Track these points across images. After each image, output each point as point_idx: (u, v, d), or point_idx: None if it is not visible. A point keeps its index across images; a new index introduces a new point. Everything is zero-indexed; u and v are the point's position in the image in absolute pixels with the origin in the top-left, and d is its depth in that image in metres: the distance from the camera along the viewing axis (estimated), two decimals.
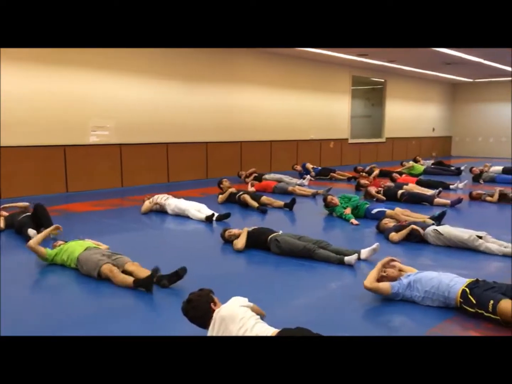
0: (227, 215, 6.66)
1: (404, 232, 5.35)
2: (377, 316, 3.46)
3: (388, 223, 5.75)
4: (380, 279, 3.82)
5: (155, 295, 3.82)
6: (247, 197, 7.70)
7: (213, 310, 2.72)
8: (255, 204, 7.55)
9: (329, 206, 6.94)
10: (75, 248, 4.43)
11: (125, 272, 4.12)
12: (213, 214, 6.64)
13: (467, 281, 3.43)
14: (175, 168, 11.01)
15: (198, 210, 6.89)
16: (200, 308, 2.74)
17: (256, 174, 10.58)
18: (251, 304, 2.85)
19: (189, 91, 11.13)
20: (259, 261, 4.85)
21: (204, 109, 11.48)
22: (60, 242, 4.71)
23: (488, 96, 20.31)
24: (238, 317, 2.64)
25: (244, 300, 2.84)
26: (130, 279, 3.91)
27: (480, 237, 5.08)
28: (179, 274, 3.98)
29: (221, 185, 8.58)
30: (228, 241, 5.25)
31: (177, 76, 10.86)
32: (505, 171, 12.04)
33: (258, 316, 2.75)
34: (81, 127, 9.36)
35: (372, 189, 8.21)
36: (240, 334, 2.57)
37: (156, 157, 10.67)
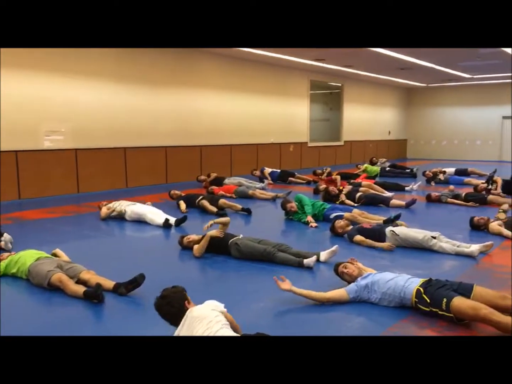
0: (184, 219, 6.59)
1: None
2: (336, 317, 3.49)
3: (344, 225, 5.81)
4: (340, 274, 3.91)
5: (111, 304, 3.73)
6: (205, 203, 7.65)
7: (187, 309, 2.71)
8: (214, 209, 7.52)
9: (288, 213, 6.96)
10: (26, 259, 4.26)
11: (80, 281, 4.00)
12: (167, 220, 6.55)
13: (421, 280, 3.52)
14: (133, 173, 10.82)
15: (156, 215, 6.80)
16: (174, 305, 2.72)
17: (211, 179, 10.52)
18: (224, 310, 2.82)
19: (148, 95, 10.97)
20: (220, 266, 4.82)
21: (163, 113, 11.34)
22: (7, 254, 4.52)
23: (441, 100, 21.04)
24: (206, 320, 2.61)
25: (218, 305, 2.81)
26: (81, 290, 3.79)
27: (434, 237, 5.24)
28: (137, 281, 3.90)
29: (172, 195, 8.43)
30: (187, 247, 5.18)
31: (136, 80, 10.69)
32: (458, 172, 12.50)
33: (228, 323, 2.72)
34: (34, 132, 9.05)
35: (342, 197, 8.21)
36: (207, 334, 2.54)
37: (114, 162, 10.45)
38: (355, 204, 7.92)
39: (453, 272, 4.47)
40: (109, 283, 3.94)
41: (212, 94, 12.59)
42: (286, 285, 3.60)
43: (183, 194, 8.19)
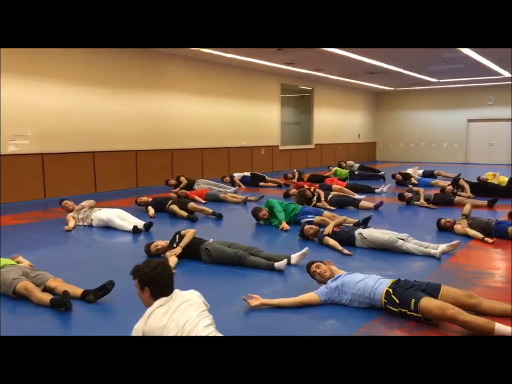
0: (150, 225, 6.51)
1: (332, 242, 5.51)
2: (308, 320, 3.51)
3: (314, 233, 5.82)
4: (312, 273, 3.94)
5: (79, 312, 3.64)
6: (175, 208, 7.57)
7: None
8: (184, 213, 7.45)
9: (259, 220, 6.94)
10: None
11: (46, 288, 3.90)
12: (136, 226, 6.45)
13: (390, 281, 3.57)
14: (103, 177, 10.64)
15: (124, 219, 6.70)
16: (165, 277, 2.62)
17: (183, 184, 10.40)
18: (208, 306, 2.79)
19: (117, 98, 10.82)
20: (190, 271, 4.78)
21: (133, 116, 11.21)
22: None
23: (409, 104, 21.49)
24: (200, 308, 2.60)
25: (204, 299, 2.78)
26: (47, 298, 3.69)
27: (403, 239, 5.33)
28: (106, 288, 3.82)
29: (139, 203, 8.23)
30: (155, 255, 5.06)
31: (104, 83, 10.54)
32: (425, 174, 12.76)
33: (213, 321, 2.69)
34: None
35: (321, 203, 8.14)
36: (196, 322, 2.51)
37: (82, 167, 10.26)
38: (331, 208, 7.94)
39: (421, 273, 4.56)
40: (77, 291, 3.85)
41: (183, 97, 12.52)
42: (256, 301, 3.61)
43: (150, 200, 8.06)
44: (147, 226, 6.50)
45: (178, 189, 9.84)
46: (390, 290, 3.45)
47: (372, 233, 5.43)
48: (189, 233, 5.07)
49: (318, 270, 3.91)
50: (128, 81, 11.05)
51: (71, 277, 4.16)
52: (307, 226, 5.89)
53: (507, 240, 5.72)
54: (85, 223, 6.87)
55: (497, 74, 15.54)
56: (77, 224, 6.88)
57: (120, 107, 10.89)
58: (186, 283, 4.43)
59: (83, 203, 7.08)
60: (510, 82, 17.86)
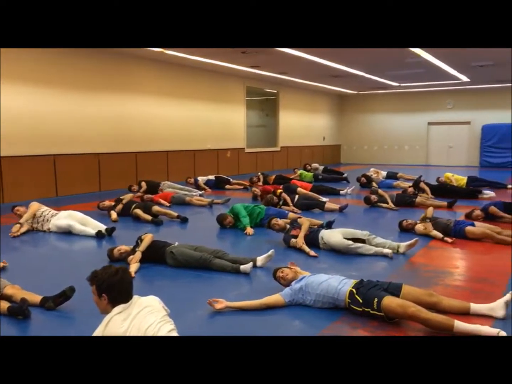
0: (113, 229, 6.39)
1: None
2: (272, 322, 3.51)
3: (283, 227, 5.85)
4: (277, 278, 3.95)
5: (39, 320, 3.53)
6: (139, 212, 7.45)
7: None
8: (148, 217, 7.35)
9: (225, 226, 6.91)
10: None
11: (3, 296, 3.76)
12: (100, 231, 6.31)
13: (353, 282, 3.62)
14: (64, 181, 10.37)
15: (84, 223, 6.55)
16: (123, 283, 2.55)
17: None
18: (169, 311, 2.75)
19: (78, 100, 10.58)
20: (155, 275, 4.71)
21: (95, 118, 10.98)
22: None
23: (372, 107, 21.92)
24: (160, 313, 2.56)
25: (164, 305, 2.74)
26: (5, 306, 3.56)
27: (364, 241, 5.42)
28: (66, 295, 3.72)
29: (101, 208, 8.04)
30: (119, 260, 4.97)
31: (66, 84, 10.28)
32: (388, 176, 13.04)
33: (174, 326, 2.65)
34: None
35: (290, 207, 8.09)
36: (158, 328, 2.46)
37: (42, 170, 9.97)
38: (298, 211, 7.97)
39: (384, 273, 4.65)
40: (35, 298, 3.73)
41: (147, 99, 12.36)
42: (220, 304, 3.60)
43: (113, 204, 7.85)
44: (110, 231, 6.37)
45: (140, 193, 9.64)
46: (354, 290, 3.50)
47: (329, 237, 5.48)
48: (147, 237, 4.99)
49: (281, 275, 3.94)
50: (90, 82, 10.82)
51: (29, 284, 4.03)
52: (273, 221, 5.89)
53: (465, 240, 5.91)
54: (44, 229, 6.67)
55: (456, 78, 16.05)
56: (34, 229, 6.68)
57: (81, 109, 10.66)
58: (150, 288, 4.38)
59: (21, 220, 6.59)
60: (468, 87, 18.51)
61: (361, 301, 3.43)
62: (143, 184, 10.25)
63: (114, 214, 7.49)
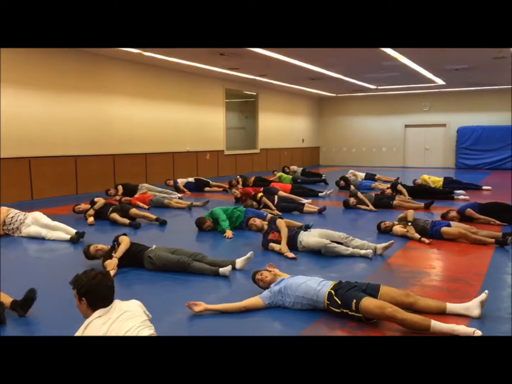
0: (82, 234, 6.24)
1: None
2: (252, 324, 3.51)
3: (254, 225, 5.83)
4: (256, 281, 3.96)
5: (13, 324, 3.46)
6: (116, 216, 7.34)
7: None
8: (126, 221, 7.27)
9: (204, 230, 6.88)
10: None
11: None
12: (74, 236, 6.18)
13: (332, 283, 3.64)
14: (39, 184, 10.19)
15: (54, 228, 6.39)
16: (102, 287, 2.54)
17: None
18: (150, 316, 2.73)
19: (54, 101, 10.41)
20: (132, 279, 4.66)
21: (72, 120, 10.82)
22: None
23: (350, 110, 22.14)
24: (140, 318, 2.53)
25: (145, 310, 2.72)
26: None
27: (341, 242, 5.46)
28: (30, 298, 3.63)
29: (77, 211, 7.93)
30: (94, 257, 4.91)
31: (41, 85, 10.11)
32: (367, 177, 13.18)
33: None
34: None
35: (273, 211, 7.97)
36: (137, 332, 2.45)
37: (17, 173, 9.77)
38: (275, 211, 7.98)
39: (362, 273, 4.69)
40: (7, 299, 3.66)
41: (126, 101, 12.24)
42: (199, 307, 3.58)
43: (88, 207, 7.71)
44: (77, 237, 6.15)
45: (117, 197, 9.48)
46: (332, 291, 3.52)
47: (308, 238, 5.50)
48: (124, 242, 4.89)
49: (260, 277, 3.95)
50: (67, 83, 10.66)
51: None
52: (251, 220, 5.85)
53: (442, 240, 6.00)
54: (18, 234, 6.53)
55: (432, 81, 16.33)
56: (6, 233, 6.55)
57: (57, 110, 10.49)
58: (128, 292, 4.32)
59: None
60: (443, 90, 18.85)
61: (339, 302, 3.45)
62: (120, 188, 10.03)
63: (90, 218, 7.37)
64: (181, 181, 11.78)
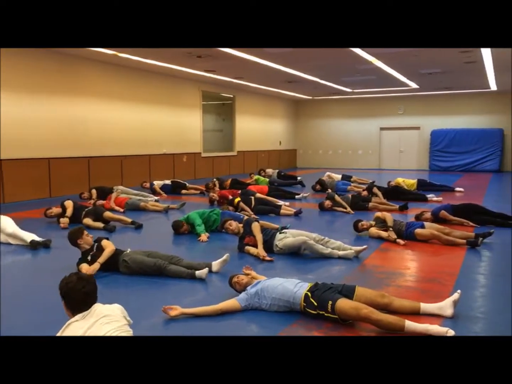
0: (38, 243, 5.97)
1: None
2: (229, 327, 3.49)
3: (230, 230, 5.78)
4: (233, 284, 3.95)
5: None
6: (89, 222, 7.22)
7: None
8: (100, 225, 7.17)
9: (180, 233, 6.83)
10: None
11: None
12: (33, 241, 5.98)
13: (308, 285, 3.66)
14: (11, 187, 9.95)
15: (15, 235, 6.13)
16: (76, 292, 2.52)
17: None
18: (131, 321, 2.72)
19: (27, 103, 10.20)
20: (108, 282, 4.59)
21: (45, 122, 10.62)
22: None
23: (326, 113, 22.33)
24: (121, 322, 2.54)
25: (126, 314, 2.71)
26: None
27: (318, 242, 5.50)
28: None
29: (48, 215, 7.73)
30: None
31: (13, 86, 9.88)
32: (343, 178, 13.29)
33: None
34: None
35: (251, 215, 7.93)
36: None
37: None
38: (252, 214, 7.94)
39: (339, 275, 4.73)
40: None
41: (101, 103, 12.08)
42: (175, 311, 3.56)
43: (60, 211, 7.53)
44: (35, 245, 5.93)
45: (91, 201, 9.31)
46: (309, 293, 3.54)
47: (284, 240, 5.51)
48: (109, 248, 4.79)
49: (236, 280, 3.95)
50: (40, 85, 10.46)
51: None
52: (227, 224, 5.77)
53: (416, 242, 6.10)
54: None
55: (406, 85, 16.60)
56: None
57: (30, 112, 10.28)
58: (104, 296, 4.24)
59: None
60: (417, 93, 19.19)
61: (315, 304, 3.47)
62: (93, 192, 9.74)
63: (64, 221, 7.22)
64: (157, 183, 11.67)
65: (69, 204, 7.52)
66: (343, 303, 3.34)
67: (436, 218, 7.17)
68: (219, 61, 11.74)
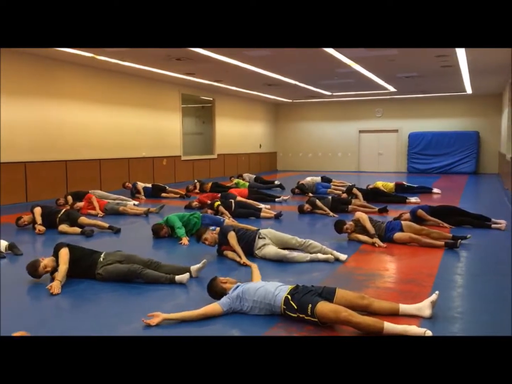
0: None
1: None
2: (209, 331, 3.46)
3: (206, 241, 5.65)
4: (214, 294, 3.91)
5: None
6: (65, 229, 7.09)
7: None
8: (77, 230, 7.06)
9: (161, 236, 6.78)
10: None
11: None
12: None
13: (289, 288, 3.66)
14: None
15: None
16: None
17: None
18: None
19: (2, 105, 9.99)
20: (86, 288, 4.51)
21: (20, 125, 10.42)
22: None
23: (306, 116, 22.46)
24: None
25: None
26: None
27: (298, 249, 5.52)
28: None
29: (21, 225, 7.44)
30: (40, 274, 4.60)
31: None
32: (323, 180, 13.36)
33: None
34: None
35: (229, 219, 7.80)
36: None
37: None
38: (231, 218, 7.91)
39: (319, 277, 4.74)
40: None
41: (79, 106, 11.92)
42: (156, 318, 3.51)
43: (32, 216, 7.33)
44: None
45: (67, 207, 9.10)
46: (289, 296, 3.54)
47: (265, 251, 5.46)
48: (62, 261, 4.52)
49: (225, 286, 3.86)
50: (15, 87, 10.26)
51: None
52: (202, 239, 5.56)
53: (395, 244, 6.16)
54: None
55: (384, 88, 16.81)
56: None
57: (5, 115, 10.07)
58: (81, 303, 4.19)
59: None
60: (395, 96, 19.44)
61: (296, 307, 3.47)
62: (69, 198, 9.51)
63: (40, 226, 7.08)
64: (140, 184, 11.68)
65: (37, 211, 7.31)
66: (322, 307, 3.34)
67: (414, 217, 7.26)
68: (198, 64, 11.71)
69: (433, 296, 3.59)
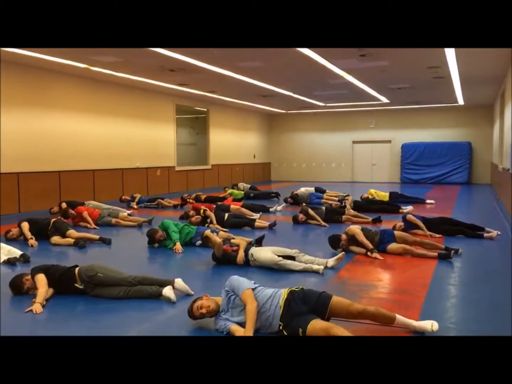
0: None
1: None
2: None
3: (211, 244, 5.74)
4: (200, 317, 3.69)
5: None
6: (58, 240, 7.06)
7: None
8: (70, 240, 7.01)
9: (153, 242, 6.76)
10: None
11: None
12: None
13: (283, 294, 3.59)
14: None
15: None
16: None
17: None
18: None
19: None
20: (77, 300, 4.47)
21: (14, 136, 10.38)
22: None
23: (300, 126, 22.56)
24: None
25: None
26: None
27: (292, 257, 5.49)
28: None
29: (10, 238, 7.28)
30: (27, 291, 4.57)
31: None
32: (317, 190, 13.38)
33: None
34: None
35: (213, 225, 7.90)
36: None
37: None
38: (224, 229, 7.88)
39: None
40: None
41: (72, 116, 11.91)
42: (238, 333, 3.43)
43: (18, 229, 7.24)
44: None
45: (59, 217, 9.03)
46: (281, 324, 3.45)
47: (259, 254, 5.50)
48: (40, 286, 4.41)
49: (203, 311, 3.60)
50: (9, 98, 10.25)
51: None
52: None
53: (388, 254, 6.17)
54: None
55: (377, 99, 16.94)
56: None
57: None
58: (71, 315, 4.15)
59: None
60: (388, 107, 19.59)
61: (287, 334, 3.42)
62: (64, 205, 9.54)
63: (32, 241, 6.99)
64: (138, 195, 11.81)
65: (24, 227, 7.19)
66: (313, 327, 3.28)
67: (405, 222, 7.32)
68: (192, 75, 11.76)
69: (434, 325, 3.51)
